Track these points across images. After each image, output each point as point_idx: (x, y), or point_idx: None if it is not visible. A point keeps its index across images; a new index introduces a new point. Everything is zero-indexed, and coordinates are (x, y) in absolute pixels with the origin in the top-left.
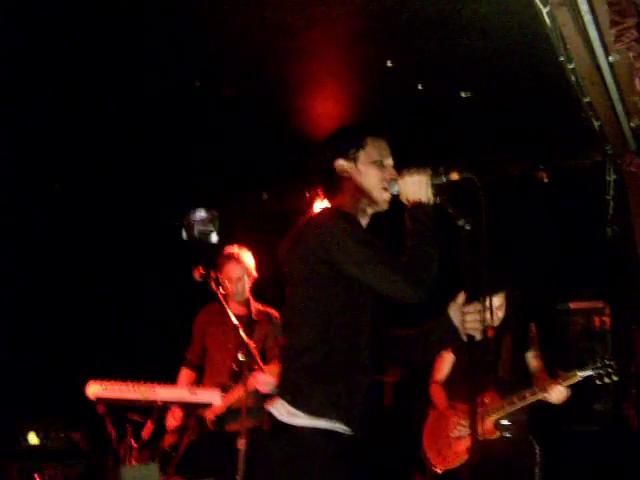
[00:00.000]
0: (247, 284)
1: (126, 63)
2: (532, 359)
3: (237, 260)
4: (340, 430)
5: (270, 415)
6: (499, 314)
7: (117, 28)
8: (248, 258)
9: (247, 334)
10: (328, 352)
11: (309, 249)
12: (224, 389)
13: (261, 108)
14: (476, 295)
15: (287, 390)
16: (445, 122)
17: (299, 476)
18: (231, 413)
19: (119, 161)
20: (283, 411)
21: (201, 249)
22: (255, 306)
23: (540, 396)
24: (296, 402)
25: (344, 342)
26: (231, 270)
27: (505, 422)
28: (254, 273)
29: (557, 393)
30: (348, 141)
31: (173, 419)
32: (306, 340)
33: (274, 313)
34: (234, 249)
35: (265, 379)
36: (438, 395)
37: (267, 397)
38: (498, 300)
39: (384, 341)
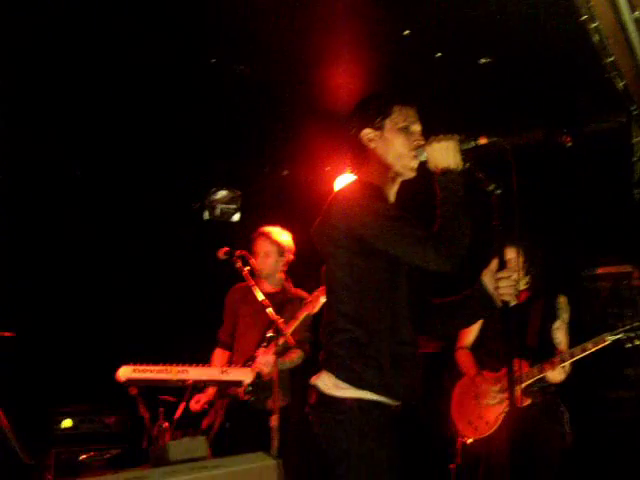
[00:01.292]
0: (279, 262)
1: (141, 42)
2: (556, 331)
3: (266, 235)
4: (386, 401)
5: (316, 388)
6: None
7: (135, 6)
8: (280, 236)
9: (277, 312)
10: (369, 326)
11: (337, 228)
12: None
13: (278, 83)
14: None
15: (332, 363)
16: (466, 89)
17: (348, 446)
18: (261, 389)
19: (139, 143)
20: (329, 383)
21: (226, 231)
22: (289, 287)
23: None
24: (341, 375)
25: (384, 315)
26: (259, 245)
27: (534, 389)
28: (288, 252)
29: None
30: (374, 110)
31: (199, 399)
32: (346, 315)
33: (307, 297)
34: (266, 227)
35: (266, 359)
36: (467, 361)
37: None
38: (509, 254)
39: (422, 312)
